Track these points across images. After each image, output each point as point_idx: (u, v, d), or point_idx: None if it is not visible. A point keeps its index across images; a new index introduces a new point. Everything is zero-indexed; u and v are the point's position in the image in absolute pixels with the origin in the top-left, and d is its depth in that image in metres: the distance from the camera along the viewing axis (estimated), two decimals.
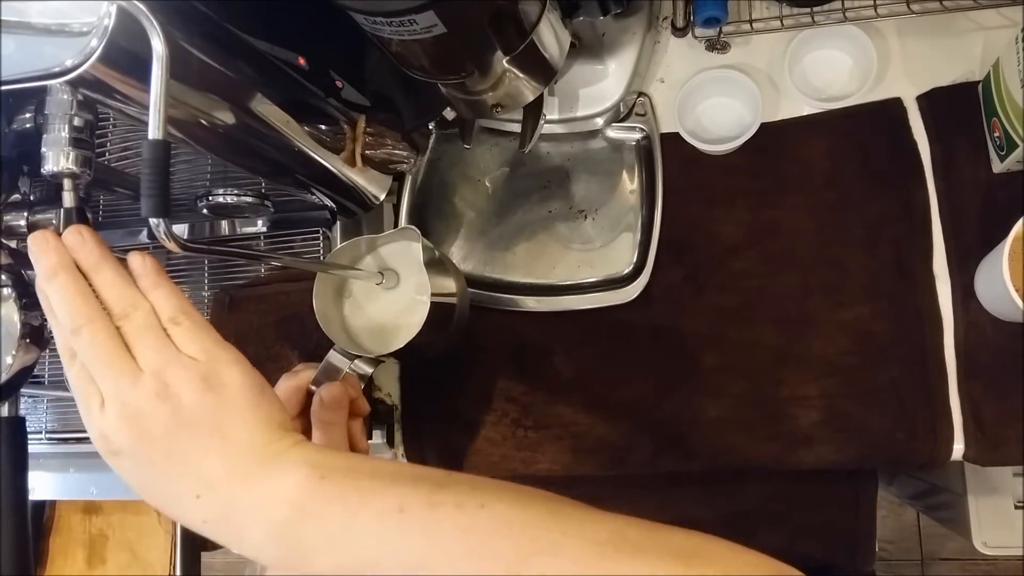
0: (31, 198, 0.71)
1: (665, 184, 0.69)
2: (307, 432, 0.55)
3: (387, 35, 0.47)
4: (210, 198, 0.67)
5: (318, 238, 0.74)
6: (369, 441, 0.67)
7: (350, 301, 0.58)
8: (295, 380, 0.54)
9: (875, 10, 0.66)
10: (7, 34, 0.39)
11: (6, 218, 0.68)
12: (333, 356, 0.55)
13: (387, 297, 0.57)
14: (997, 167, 0.64)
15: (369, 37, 0.48)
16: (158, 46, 0.38)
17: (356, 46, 0.59)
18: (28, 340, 0.58)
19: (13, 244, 0.70)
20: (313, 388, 0.54)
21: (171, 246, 0.40)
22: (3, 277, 0.58)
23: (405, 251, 0.57)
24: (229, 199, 0.67)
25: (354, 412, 0.56)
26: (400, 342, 0.53)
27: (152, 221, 0.39)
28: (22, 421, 0.62)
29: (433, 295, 0.55)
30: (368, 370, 0.55)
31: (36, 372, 0.71)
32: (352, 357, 0.54)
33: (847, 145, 0.67)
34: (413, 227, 0.55)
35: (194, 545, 0.97)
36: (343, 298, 0.58)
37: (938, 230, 0.65)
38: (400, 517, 0.34)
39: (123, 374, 0.37)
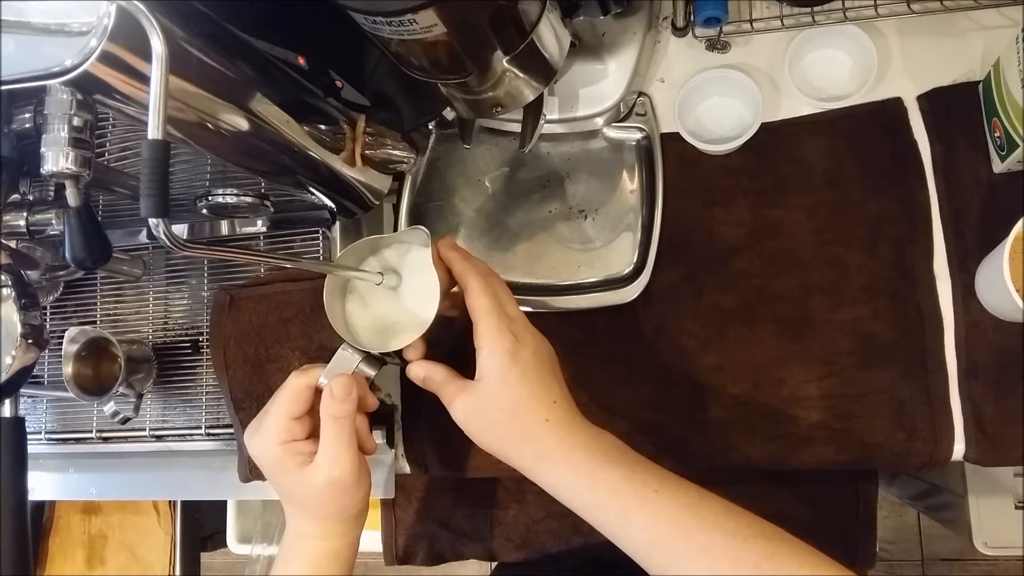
0: (30, 198, 0.71)
1: (665, 184, 0.69)
2: (316, 429, 0.55)
3: (387, 35, 0.47)
4: (210, 198, 0.67)
5: (318, 238, 0.74)
6: None
7: (359, 300, 0.58)
8: (305, 377, 0.55)
9: (875, 10, 0.66)
10: (7, 34, 0.39)
11: (6, 218, 0.67)
12: (342, 353, 0.55)
13: (395, 296, 0.57)
14: (998, 167, 0.64)
15: (369, 37, 0.48)
16: (157, 46, 0.38)
17: (356, 46, 0.59)
18: (28, 340, 0.58)
19: (13, 244, 0.70)
20: (323, 382, 0.55)
21: (170, 246, 0.40)
22: (3, 277, 0.58)
23: (414, 251, 0.57)
24: (229, 199, 0.67)
25: (361, 408, 0.56)
26: (407, 339, 0.53)
27: (151, 221, 0.39)
28: (22, 421, 0.62)
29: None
30: (371, 372, 0.56)
31: (36, 372, 0.71)
32: (361, 354, 0.55)
33: (847, 145, 0.67)
34: (423, 228, 0.55)
35: (194, 545, 0.96)
36: (351, 297, 0.58)
37: (938, 230, 0.65)
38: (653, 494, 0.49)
39: None
